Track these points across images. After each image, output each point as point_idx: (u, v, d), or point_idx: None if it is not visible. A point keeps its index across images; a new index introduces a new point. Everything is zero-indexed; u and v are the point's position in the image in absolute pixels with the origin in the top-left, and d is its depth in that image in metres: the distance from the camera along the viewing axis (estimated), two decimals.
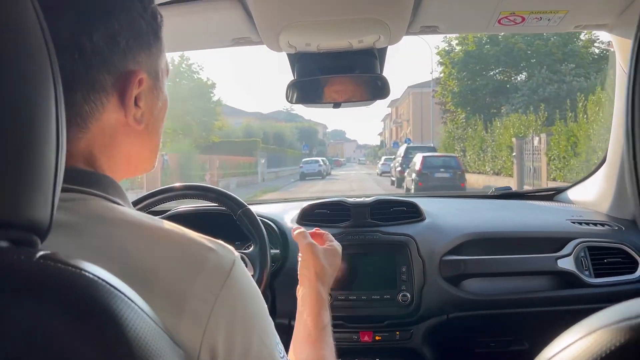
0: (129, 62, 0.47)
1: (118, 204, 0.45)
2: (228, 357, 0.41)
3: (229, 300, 0.42)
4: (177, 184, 1.21)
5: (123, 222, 0.43)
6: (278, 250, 1.28)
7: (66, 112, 0.42)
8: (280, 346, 0.48)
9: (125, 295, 0.33)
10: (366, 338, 1.33)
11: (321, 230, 0.92)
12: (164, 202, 1.17)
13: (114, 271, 0.36)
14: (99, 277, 0.32)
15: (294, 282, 1.08)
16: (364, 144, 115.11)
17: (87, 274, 0.32)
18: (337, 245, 0.86)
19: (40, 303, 0.30)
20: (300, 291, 0.81)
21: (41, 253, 0.31)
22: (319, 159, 26.74)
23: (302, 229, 0.89)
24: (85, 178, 0.44)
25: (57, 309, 0.30)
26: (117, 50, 0.45)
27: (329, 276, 0.83)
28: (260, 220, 1.16)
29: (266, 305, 0.48)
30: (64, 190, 0.42)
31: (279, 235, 1.36)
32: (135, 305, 0.33)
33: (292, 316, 1.16)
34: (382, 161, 24.20)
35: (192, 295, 0.40)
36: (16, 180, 0.32)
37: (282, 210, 1.49)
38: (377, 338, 1.32)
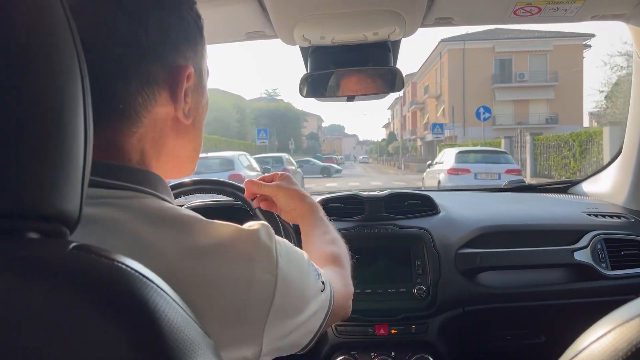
0: (179, 57, 0.50)
1: (167, 201, 0.49)
2: (286, 316, 0.50)
3: (284, 261, 0.51)
4: (190, 179, 1.19)
5: (178, 219, 0.46)
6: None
7: (121, 105, 0.45)
8: (316, 269, 0.57)
9: (157, 286, 0.34)
10: (382, 331, 1.33)
11: (267, 175, 0.95)
12: (182, 196, 1.17)
13: (178, 268, 0.40)
14: (131, 268, 0.33)
15: None
16: (364, 139, 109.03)
17: (119, 264, 0.33)
18: (286, 173, 0.93)
19: (73, 293, 0.31)
20: (302, 221, 0.85)
21: (74, 244, 0.33)
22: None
23: (254, 180, 0.93)
24: (139, 176, 0.48)
25: (89, 299, 0.31)
26: (168, 44, 0.48)
27: (307, 195, 0.85)
28: (276, 215, 1.15)
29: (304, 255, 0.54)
30: (118, 187, 0.46)
31: (293, 230, 1.35)
32: (167, 295, 0.34)
33: None
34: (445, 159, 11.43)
35: (257, 269, 0.49)
36: (45, 172, 0.33)
37: None
38: (392, 332, 1.32)
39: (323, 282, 0.55)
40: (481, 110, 16.64)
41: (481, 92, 30.09)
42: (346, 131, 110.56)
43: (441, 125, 20.86)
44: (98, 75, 0.37)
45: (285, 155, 14.94)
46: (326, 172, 25.51)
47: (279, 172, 0.89)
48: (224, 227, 0.47)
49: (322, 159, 37.31)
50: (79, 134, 0.35)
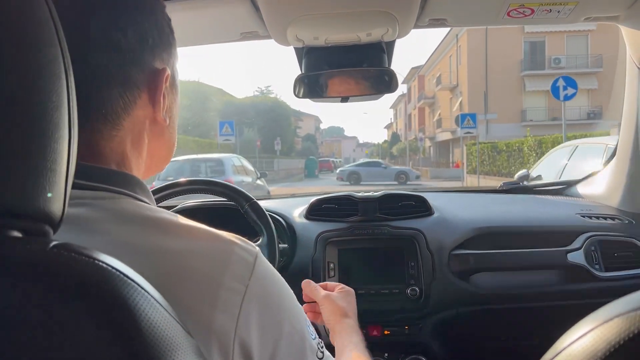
0: (157, 60, 0.53)
1: (145, 202, 0.51)
2: (261, 344, 0.47)
3: (258, 289, 0.48)
4: (183, 179, 1.26)
5: (151, 220, 0.48)
6: (286, 245, 1.34)
7: (102, 109, 0.48)
8: (311, 328, 0.55)
9: (139, 285, 0.35)
10: (375, 332, 1.36)
11: (331, 282, 1.01)
12: (171, 198, 1.22)
13: (146, 266, 0.41)
14: (111, 267, 0.34)
15: (302, 276, 1.17)
16: (365, 141, 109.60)
17: (99, 263, 0.34)
18: (349, 289, 0.96)
19: (53, 291, 0.32)
20: (336, 338, 0.88)
21: (54, 242, 0.34)
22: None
23: (312, 283, 0.95)
24: (116, 178, 0.50)
25: (70, 298, 0.32)
26: (146, 48, 0.52)
27: (352, 312, 0.93)
28: (269, 215, 1.21)
29: (292, 292, 0.54)
30: (95, 189, 0.48)
31: (287, 230, 1.41)
32: (148, 294, 0.35)
33: None
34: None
35: (223, 287, 0.46)
36: (28, 171, 0.34)
37: (290, 206, 1.55)
38: (386, 332, 1.35)
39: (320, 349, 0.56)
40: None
41: (507, 82, 26.73)
42: (346, 133, 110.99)
43: (473, 116, 14.62)
44: (80, 81, 0.40)
45: (230, 158, 10.36)
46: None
47: (341, 285, 0.94)
48: (198, 229, 0.49)
49: (315, 163, 34.81)
50: (64, 133, 0.36)
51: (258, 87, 44.11)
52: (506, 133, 22.35)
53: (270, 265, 0.52)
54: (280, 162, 29.05)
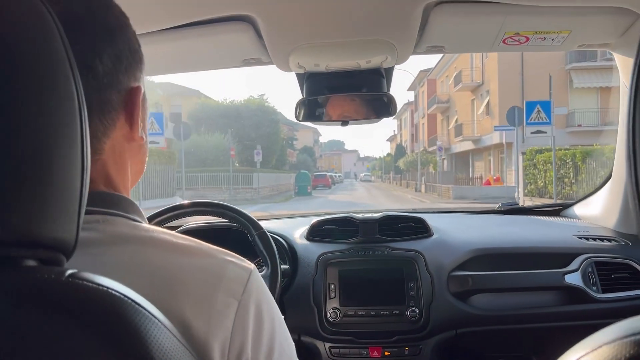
0: (131, 79, 0.56)
1: (138, 222, 0.55)
2: (254, 358, 0.50)
3: (251, 304, 0.52)
4: (191, 201, 1.34)
5: (147, 239, 0.52)
6: (287, 266, 1.43)
7: None
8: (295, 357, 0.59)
9: (151, 314, 0.38)
10: (375, 354, 1.42)
11: None
12: (180, 218, 1.31)
13: (143, 285, 0.44)
14: (125, 296, 0.37)
15: (303, 297, 1.35)
16: (366, 155, 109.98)
17: (114, 292, 0.36)
18: None
19: (69, 320, 0.34)
20: None
21: (70, 272, 0.36)
22: None
23: None
24: (107, 200, 0.54)
25: (85, 327, 0.34)
26: (121, 69, 0.54)
27: None
28: (271, 236, 1.31)
29: (283, 317, 0.58)
30: (88, 212, 0.49)
31: (289, 251, 1.50)
32: (160, 323, 0.38)
33: (301, 331, 1.41)
34: None
35: (217, 302, 0.49)
36: (42, 200, 0.36)
37: (291, 226, 1.66)
38: (386, 353, 1.41)
39: None
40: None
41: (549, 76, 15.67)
42: (346, 147, 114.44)
43: (546, 105, 7.31)
44: None
45: None
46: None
47: None
48: (193, 247, 0.53)
49: (308, 178, 29.88)
50: (76, 161, 0.39)
51: (251, 96, 37.84)
52: (543, 141, 17.07)
53: (264, 283, 0.57)
54: (263, 177, 22.79)
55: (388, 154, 60.51)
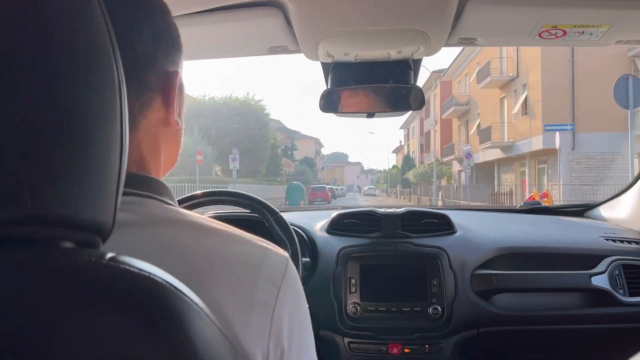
0: (169, 62, 0.59)
1: (170, 204, 0.58)
2: (289, 348, 0.53)
3: (289, 293, 0.55)
4: (208, 190, 1.38)
5: (181, 222, 0.54)
6: (308, 259, 1.48)
7: None
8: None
9: (192, 300, 0.39)
10: (395, 350, 1.44)
11: None
12: (196, 208, 1.35)
13: (180, 268, 0.46)
14: (166, 282, 0.38)
15: (323, 291, 1.41)
16: (369, 168, 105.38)
17: (155, 277, 0.37)
18: None
19: (110, 305, 0.34)
20: None
21: (110, 255, 0.37)
22: None
23: None
24: (140, 182, 0.56)
25: (126, 311, 0.34)
26: (160, 51, 0.57)
27: None
28: (292, 228, 1.35)
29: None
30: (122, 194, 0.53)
31: (309, 244, 1.55)
32: (200, 310, 0.39)
33: (321, 325, 1.44)
34: None
35: (258, 289, 0.51)
36: (80, 181, 0.37)
37: (311, 219, 1.70)
38: (406, 350, 1.44)
39: None
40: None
41: (608, 67, 16.39)
42: (350, 159, 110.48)
43: None
44: None
45: None
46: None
47: None
48: (231, 232, 0.56)
49: (301, 191, 25.21)
50: (115, 142, 0.40)
51: (233, 93, 31.99)
52: (602, 147, 15.18)
53: (297, 274, 0.60)
54: (244, 189, 17.06)
55: (394, 166, 57.08)
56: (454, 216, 1.62)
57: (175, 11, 0.72)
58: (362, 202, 34.87)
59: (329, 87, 1.39)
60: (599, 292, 1.40)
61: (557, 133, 15.16)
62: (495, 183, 24.73)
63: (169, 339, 0.34)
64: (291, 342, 0.53)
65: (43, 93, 0.34)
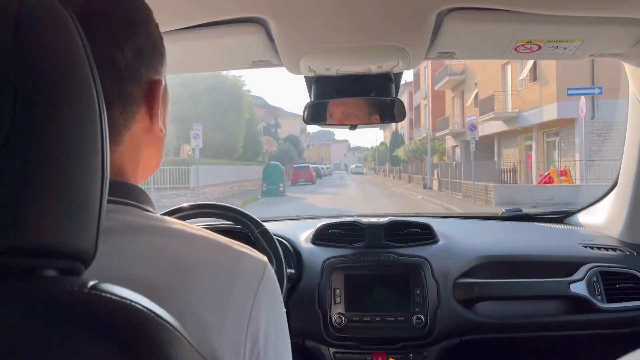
0: (152, 72, 0.61)
1: (150, 211, 0.60)
2: (265, 354, 0.55)
3: (266, 298, 0.57)
4: (193, 203, 1.42)
5: (159, 229, 0.56)
6: (293, 271, 1.52)
7: None
8: None
9: (173, 327, 0.40)
10: (379, 359, 1.51)
11: None
12: (183, 221, 1.56)
13: (160, 275, 0.49)
14: (149, 310, 0.39)
15: (308, 302, 1.42)
16: (356, 146, 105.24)
17: (137, 305, 0.38)
18: None
19: (91, 334, 0.35)
20: None
21: (91, 283, 0.38)
22: None
23: None
24: (119, 189, 0.57)
25: (107, 341, 0.35)
26: (143, 62, 0.59)
27: None
28: (276, 239, 1.39)
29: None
30: None
31: (294, 255, 1.58)
32: (181, 336, 0.40)
33: (306, 336, 1.47)
34: None
35: (233, 294, 0.54)
36: (62, 210, 0.38)
37: (296, 229, 1.74)
38: (390, 359, 1.51)
39: None
40: None
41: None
42: (336, 137, 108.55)
43: None
44: None
45: None
46: None
47: None
48: (208, 238, 0.58)
49: (280, 172, 22.07)
50: (97, 169, 0.41)
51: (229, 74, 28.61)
52: (626, 116, 6.44)
53: (276, 278, 0.62)
54: (213, 171, 14.89)
55: (382, 143, 54.76)
56: (436, 225, 1.69)
57: (161, 28, 0.68)
58: (350, 183, 32.86)
59: (312, 99, 1.45)
60: (578, 299, 1.47)
61: (582, 98, 12.80)
62: (495, 159, 22.80)
63: None
64: (267, 348, 0.55)
65: (23, 121, 0.35)
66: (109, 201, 0.50)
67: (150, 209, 0.60)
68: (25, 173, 0.35)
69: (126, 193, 0.57)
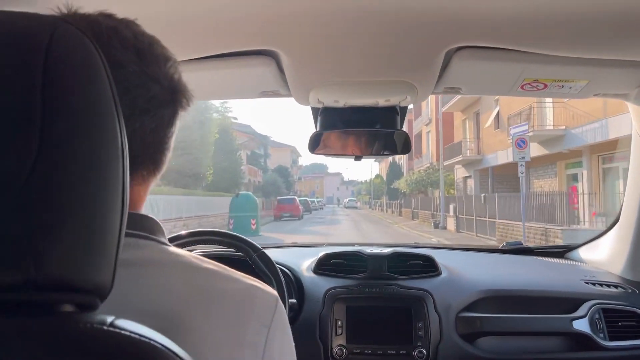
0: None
1: (164, 244, 0.65)
2: None
3: (278, 331, 0.61)
4: (190, 230, 1.44)
5: (177, 262, 0.61)
6: (295, 300, 1.56)
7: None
8: None
9: None
10: None
11: None
12: (182, 248, 1.60)
13: (177, 306, 0.52)
14: (165, 347, 0.39)
15: (309, 332, 1.43)
16: (349, 179, 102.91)
17: (155, 343, 0.39)
18: None
19: None
20: None
21: (110, 320, 0.39)
22: None
23: None
24: (135, 221, 0.60)
25: None
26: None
27: None
28: (278, 267, 1.41)
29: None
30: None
31: (295, 284, 1.59)
32: None
33: None
34: None
35: (250, 328, 0.58)
36: (82, 244, 0.39)
37: (297, 257, 1.75)
38: None
39: None
40: None
41: None
42: (329, 170, 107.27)
43: None
44: None
45: None
46: None
47: None
48: (223, 272, 0.62)
49: (254, 204, 18.51)
50: (117, 204, 0.42)
51: (212, 103, 23.95)
52: None
53: (286, 312, 0.69)
54: (162, 202, 10.02)
55: (377, 176, 50.35)
56: (438, 256, 1.70)
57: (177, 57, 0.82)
58: (342, 219, 28.66)
59: (317, 129, 1.49)
60: (580, 336, 1.49)
61: None
62: (522, 192, 17.33)
63: None
64: None
65: (49, 153, 0.35)
66: (127, 234, 0.55)
67: (164, 240, 0.63)
68: (48, 205, 0.35)
69: (141, 225, 0.60)
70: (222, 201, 23.02)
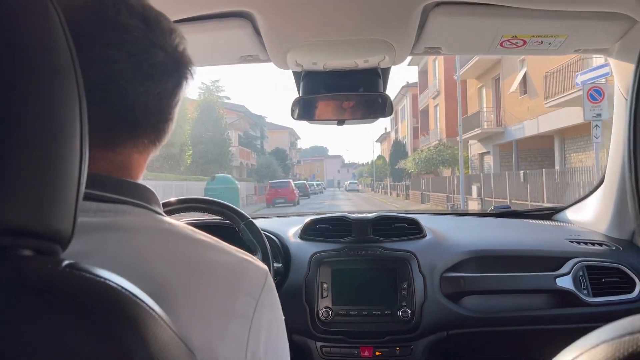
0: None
1: (158, 213, 0.68)
2: (265, 356, 0.62)
3: (267, 305, 0.65)
4: (179, 198, 1.51)
5: (169, 232, 0.63)
6: (280, 265, 1.64)
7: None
8: None
9: (147, 305, 0.43)
10: (366, 353, 1.55)
11: None
12: (170, 215, 1.55)
13: (173, 274, 0.54)
14: (122, 288, 0.41)
15: (295, 296, 1.50)
16: (350, 162, 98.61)
17: (111, 283, 0.41)
18: None
19: (65, 311, 0.36)
20: None
21: (66, 262, 0.40)
22: None
23: None
24: (127, 189, 0.63)
25: (81, 318, 0.37)
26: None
27: None
28: (264, 234, 1.50)
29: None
30: (109, 200, 0.59)
31: (282, 250, 1.68)
32: (155, 314, 0.43)
33: (293, 330, 1.54)
34: None
35: (239, 300, 0.61)
36: (40, 190, 0.40)
37: (284, 225, 1.82)
38: (377, 353, 1.56)
39: None
40: None
41: None
42: (329, 153, 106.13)
43: None
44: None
45: None
46: None
47: None
48: (216, 243, 0.66)
49: (234, 190, 18.63)
50: (75, 152, 0.43)
51: (203, 83, 20.93)
52: None
53: (275, 286, 0.72)
54: None
55: (379, 157, 46.66)
56: (425, 220, 1.79)
57: None
58: (343, 203, 25.70)
59: (300, 95, 1.55)
60: (564, 292, 1.56)
61: None
62: (557, 168, 15.14)
63: (123, 343, 0.36)
64: (267, 351, 0.61)
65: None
66: (120, 201, 0.58)
67: (159, 210, 0.66)
68: None
69: (135, 193, 0.62)
70: (198, 186, 20.28)
